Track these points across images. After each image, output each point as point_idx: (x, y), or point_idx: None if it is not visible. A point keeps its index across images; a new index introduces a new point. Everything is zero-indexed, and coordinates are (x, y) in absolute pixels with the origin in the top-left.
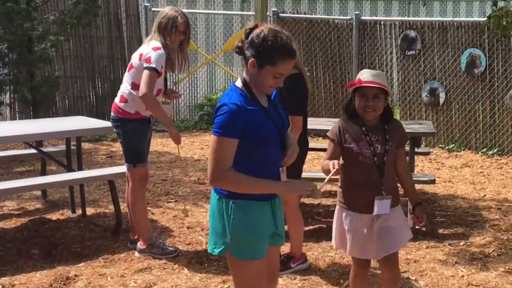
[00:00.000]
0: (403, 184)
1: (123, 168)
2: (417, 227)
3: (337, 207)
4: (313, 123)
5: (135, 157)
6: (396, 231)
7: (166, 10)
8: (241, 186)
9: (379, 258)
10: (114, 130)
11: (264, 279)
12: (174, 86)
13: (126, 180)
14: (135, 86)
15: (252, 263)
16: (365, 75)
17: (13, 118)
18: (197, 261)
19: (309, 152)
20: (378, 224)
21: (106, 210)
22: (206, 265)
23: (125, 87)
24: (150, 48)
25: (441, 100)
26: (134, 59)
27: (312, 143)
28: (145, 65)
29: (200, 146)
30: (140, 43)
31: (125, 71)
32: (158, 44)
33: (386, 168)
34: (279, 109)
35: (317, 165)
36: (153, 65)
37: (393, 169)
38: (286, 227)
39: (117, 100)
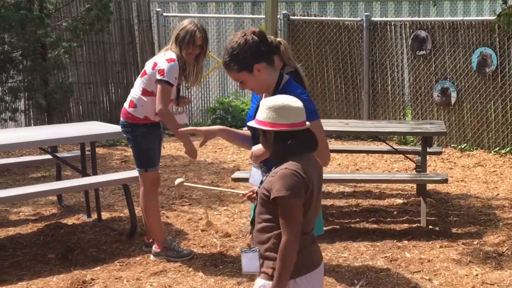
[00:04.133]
0: None
1: (137, 172)
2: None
3: None
4: (325, 124)
5: (146, 162)
6: None
7: (185, 23)
8: None
9: None
10: (124, 135)
11: None
12: (187, 91)
13: (139, 184)
14: (145, 92)
15: None
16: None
17: (28, 124)
18: (212, 263)
19: None
20: None
21: (121, 214)
22: (221, 267)
23: (135, 92)
24: (165, 59)
25: (453, 100)
26: (148, 66)
27: None
28: (158, 77)
29: (213, 150)
30: (152, 48)
31: (137, 76)
32: (173, 55)
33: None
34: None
35: (329, 166)
36: (166, 78)
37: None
38: None
39: (126, 105)
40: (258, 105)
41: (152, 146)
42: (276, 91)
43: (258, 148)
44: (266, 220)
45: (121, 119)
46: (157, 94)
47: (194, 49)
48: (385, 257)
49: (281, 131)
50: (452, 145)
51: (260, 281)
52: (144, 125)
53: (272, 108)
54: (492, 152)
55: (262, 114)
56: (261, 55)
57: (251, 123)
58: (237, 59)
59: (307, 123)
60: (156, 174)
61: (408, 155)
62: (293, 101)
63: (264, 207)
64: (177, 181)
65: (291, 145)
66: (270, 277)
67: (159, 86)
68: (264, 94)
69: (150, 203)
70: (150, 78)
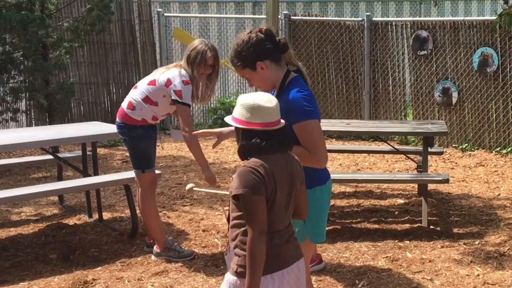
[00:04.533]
0: None
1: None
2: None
3: None
4: (326, 124)
5: (143, 163)
6: None
7: (196, 43)
8: None
9: None
10: (121, 136)
11: None
12: None
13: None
14: (148, 100)
15: None
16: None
17: (29, 124)
18: (213, 263)
19: None
20: None
21: (122, 215)
22: (222, 267)
23: (136, 95)
24: (181, 80)
25: (454, 100)
26: (160, 78)
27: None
28: (175, 97)
29: (214, 150)
30: (153, 48)
31: (139, 77)
32: (187, 77)
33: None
34: None
35: (331, 166)
36: (186, 101)
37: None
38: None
39: (124, 105)
40: None
41: (149, 147)
42: (281, 88)
43: None
44: (236, 217)
45: (118, 119)
46: (181, 118)
47: (206, 69)
48: (387, 257)
49: (248, 129)
50: (453, 145)
51: (227, 276)
52: (141, 126)
53: (243, 105)
54: (494, 152)
55: (236, 110)
56: (264, 53)
57: (227, 119)
58: (241, 56)
59: (282, 121)
60: (153, 175)
61: (409, 155)
62: (265, 100)
63: (234, 204)
64: (188, 186)
65: (254, 143)
66: (236, 273)
67: (181, 109)
68: (274, 91)
69: (148, 204)
70: (159, 90)
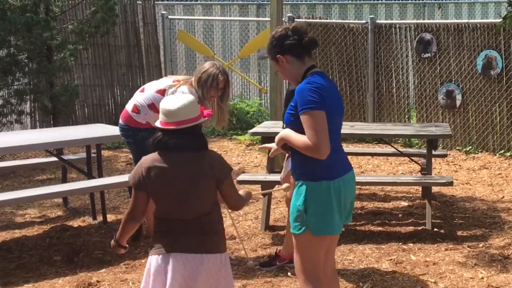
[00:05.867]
0: None
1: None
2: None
3: None
4: None
5: None
6: None
7: (207, 66)
8: None
9: None
10: (124, 139)
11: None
12: None
13: None
14: (153, 107)
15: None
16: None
17: (33, 126)
18: None
19: None
20: None
21: None
22: None
23: (142, 100)
24: None
25: (458, 102)
26: (169, 91)
27: None
28: None
29: (218, 152)
30: (157, 50)
31: (143, 79)
32: (196, 96)
33: None
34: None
35: None
36: None
37: None
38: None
39: (129, 108)
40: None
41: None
42: (300, 82)
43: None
44: None
45: (121, 122)
46: None
47: (216, 92)
48: (390, 259)
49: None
50: (457, 148)
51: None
52: (145, 129)
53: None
54: (497, 154)
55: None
56: (284, 47)
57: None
58: (268, 49)
59: (189, 124)
60: None
61: (413, 158)
62: (169, 104)
63: None
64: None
65: (152, 140)
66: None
67: None
68: None
69: (150, 207)
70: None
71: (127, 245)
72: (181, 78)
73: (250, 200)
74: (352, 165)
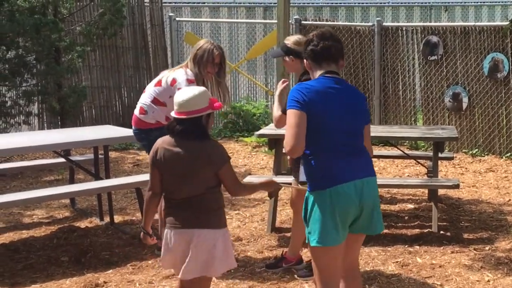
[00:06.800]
0: None
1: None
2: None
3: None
4: None
5: None
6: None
7: (202, 43)
8: None
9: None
10: (140, 142)
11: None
12: None
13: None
14: (157, 101)
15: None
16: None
17: (41, 128)
18: None
19: None
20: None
21: (134, 218)
22: (232, 271)
23: (145, 100)
24: (185, 79)
25: (464, 105)
26: (165, 79)
27: None
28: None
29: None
30: (164, 52)
31: (150, 81)
32: (192, 76)
33: None
34: None
35: None
36: None
37: None
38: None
39: (136, 112)
40: None
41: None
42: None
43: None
44: None
45: (133, 127)
46: None
47: (213, 67)
48: (397, 262)
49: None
50: (464, 151)
51: None
52: (157, 129)
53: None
54: (504, 157)
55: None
56: (305, 52)
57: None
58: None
59: (184, 116)
60: None
61: (419, 160)
62: (180, 96)
63: None
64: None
65: (167, 125)
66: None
67: None
68: None
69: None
70: (165, 90)
71: (152, 234)
72: (176, 67)
73: (257, 202)
74: None
